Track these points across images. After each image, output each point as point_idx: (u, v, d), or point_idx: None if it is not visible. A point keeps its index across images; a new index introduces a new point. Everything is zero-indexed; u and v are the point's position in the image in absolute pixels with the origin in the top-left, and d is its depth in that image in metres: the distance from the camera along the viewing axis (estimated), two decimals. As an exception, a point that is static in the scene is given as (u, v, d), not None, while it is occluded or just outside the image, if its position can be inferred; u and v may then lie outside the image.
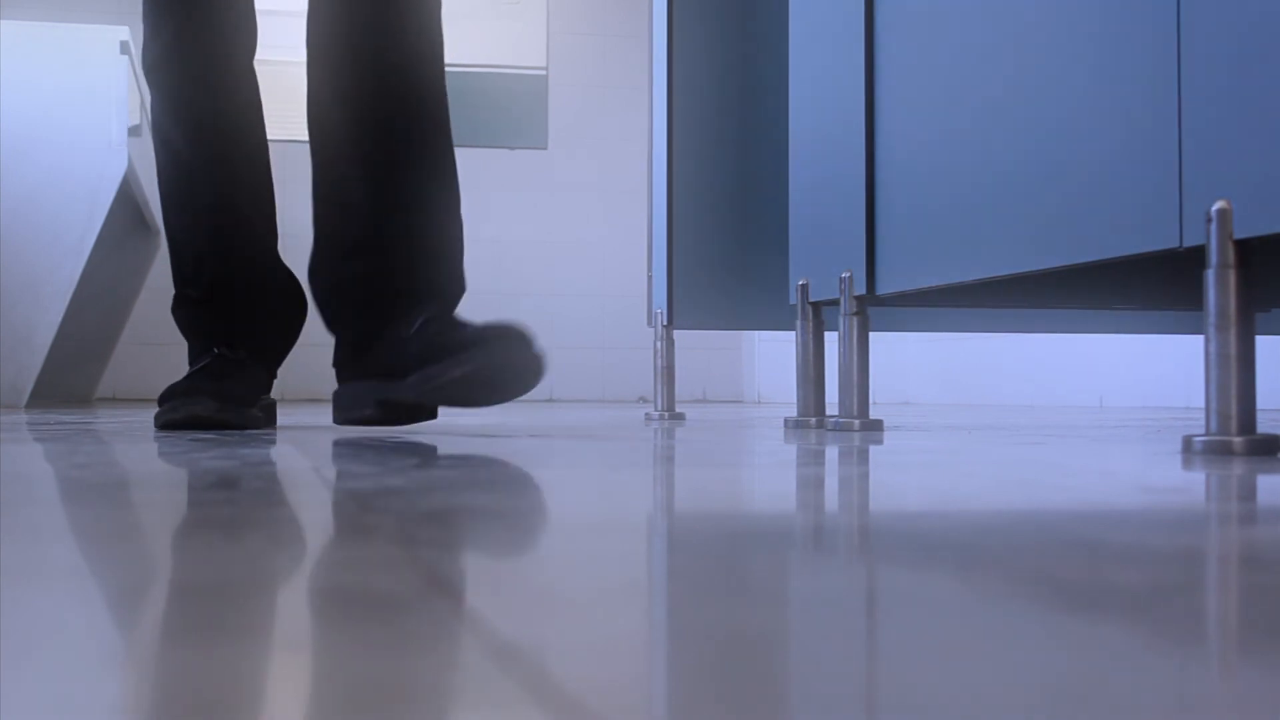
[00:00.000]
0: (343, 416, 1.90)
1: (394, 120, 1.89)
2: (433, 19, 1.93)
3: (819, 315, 2.11)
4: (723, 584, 0.46)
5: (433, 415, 1.85)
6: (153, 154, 2.05)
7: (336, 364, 1.94)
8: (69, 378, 4.02)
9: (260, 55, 1.99)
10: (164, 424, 1.83)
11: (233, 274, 1.97)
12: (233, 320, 1.96)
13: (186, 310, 2.01)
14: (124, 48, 3.55)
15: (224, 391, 1.84)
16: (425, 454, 1.20)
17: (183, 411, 1.81)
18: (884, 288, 1.87)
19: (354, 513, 0.68)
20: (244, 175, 1.99)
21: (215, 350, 1.94)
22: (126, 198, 3.66)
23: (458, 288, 1.88)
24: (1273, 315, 2.32)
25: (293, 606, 0.43)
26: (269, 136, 2.03)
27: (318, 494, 0.81)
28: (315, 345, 1.96)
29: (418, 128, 1.90)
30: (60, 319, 3.53)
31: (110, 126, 3.54)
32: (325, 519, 0.66)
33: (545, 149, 5.81)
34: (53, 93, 3.53)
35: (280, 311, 2.00)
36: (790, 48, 2.16)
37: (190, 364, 1.98)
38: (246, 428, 1.80)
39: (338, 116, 1.92)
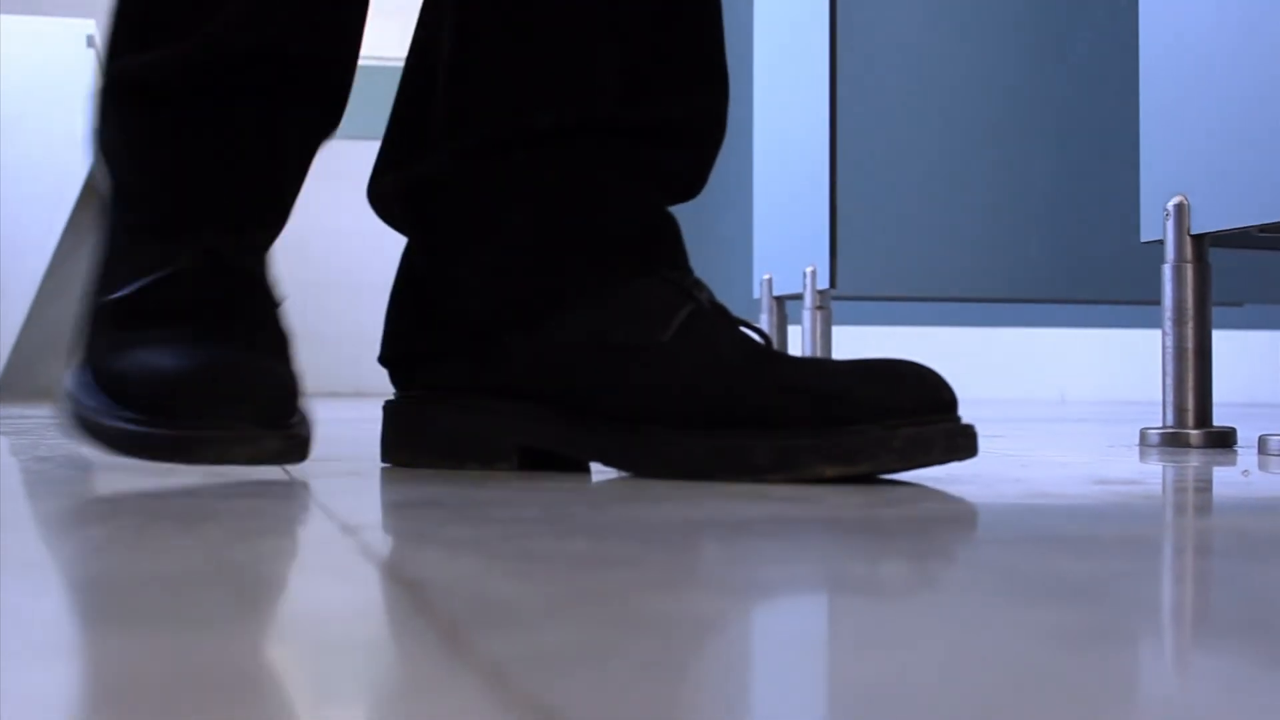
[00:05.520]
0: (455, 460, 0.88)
1: None
2: None
3: (783, 309, 2.12)
4: (684, 572, 0.47)
5: None
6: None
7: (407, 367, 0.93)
8: (36, 372, 4.00)
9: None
10: (135, 448, 0.82)
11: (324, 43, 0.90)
12: (276, 157, 0.91)
13: (145, 116, 0.89)
14: (90, 41, 3.53)
15: (270, 379, 0.83)
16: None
17: (215, 450, 0.79)
18: (845, 282, 1.88)
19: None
20: None
21: (204, 246, 0.86)
22: (93, 193, 3.64)
23: None
24: (1248, 310, 2.34)
25: (253, 597, 0.43)
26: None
27: (286, 490, 0.81)
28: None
29: None
30: (25, 315, 3.51)
31: (76, 121, 3.52)
32: (285, 510, 0.67)
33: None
34: (16, 86, 3.50)
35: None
36: (754, 44, 2.17)
37: (112, 270, 0.91)
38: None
39: None
